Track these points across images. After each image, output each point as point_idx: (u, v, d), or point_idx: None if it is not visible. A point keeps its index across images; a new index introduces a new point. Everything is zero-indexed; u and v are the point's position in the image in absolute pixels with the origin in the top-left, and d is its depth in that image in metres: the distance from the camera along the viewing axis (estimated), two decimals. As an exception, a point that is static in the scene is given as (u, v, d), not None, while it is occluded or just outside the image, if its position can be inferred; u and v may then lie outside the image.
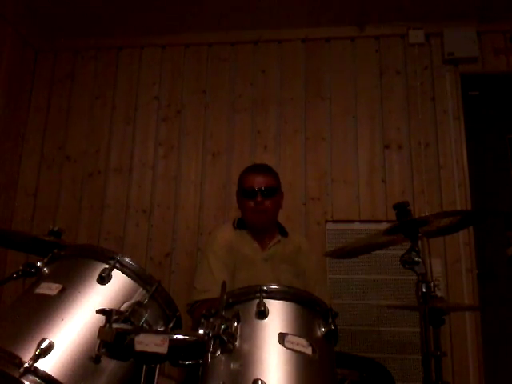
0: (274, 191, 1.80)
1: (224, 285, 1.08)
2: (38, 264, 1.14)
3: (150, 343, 0.87)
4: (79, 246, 1.30)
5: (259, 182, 1.78)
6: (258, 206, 1.76)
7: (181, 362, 0.92)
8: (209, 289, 1.66)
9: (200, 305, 1.67)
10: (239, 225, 1.87)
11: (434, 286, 1.27)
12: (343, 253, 1.72)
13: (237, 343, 0.98)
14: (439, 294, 2.17)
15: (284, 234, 1.91)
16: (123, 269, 1.10)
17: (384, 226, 1.34)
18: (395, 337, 2.30)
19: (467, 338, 2.26)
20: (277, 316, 1.06)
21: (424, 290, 1.25)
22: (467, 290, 2.32)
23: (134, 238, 2.62)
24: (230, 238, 1.84)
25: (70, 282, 1.06)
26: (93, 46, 2.95)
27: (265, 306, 1.05)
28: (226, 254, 1.79)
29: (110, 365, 0.96)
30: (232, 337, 0.96)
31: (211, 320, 0.96)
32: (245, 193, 1.80)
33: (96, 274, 1.07)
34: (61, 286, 1.04)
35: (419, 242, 1.32)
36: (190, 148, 2.72)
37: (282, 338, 1.00)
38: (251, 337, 1.01)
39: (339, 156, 2.59)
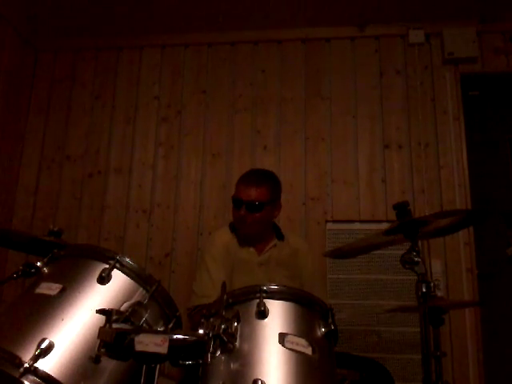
0: (260, 207, 1.73)
1: (224, 285, 1.08)
2: (38, 264, 1.14)
3: (149, 343, 0.87)
4: (79, 246, 1.31)
5: (248, 194, 1.73)
6: (242, 218, 1.74)
7: (181, 361, 0.92)
8: (208, 294, 1.65)
9: (200, 310, 1.65)
10: (236, 228, 1.86)
11: (434, 285, 1.27)
12: (341, 253, 1.70)
13: (237, 343, 0.98)
14: (439, 293, 2.18)
15: (280, 237, 1.89)
16: (123, 269, 1.11)
17: (384, 225, 1.34)
18: (395, 337, 2.30)
19: (467, 338, 2.26)
20: (277, 316, 1.06)
21: (424, 290, 1.25)
22: (467, 290, 2.31)
23: (133, 238, 2.61)
24: (228, 241, 1.83)
25: (70, 282, 1.06)
26: (93, 46, 2.95)
27: (265, 306, 1.05)
28: (224, 257, 1.79)
29: (109, 365, 0.96)
30: (232, 337, 0.96)
31: (211, 320, 0.96)
32: (233, 201, 1.79)
33: (96, 274, 1.07)
34: (61, 286, 1.04)
35: (419, 242, 1.32)
36: (189, 148, 2.72)
37: (282, 338, 1.00)
38: (251, 337, 1.01)
39: (339, 156, 2.59)
